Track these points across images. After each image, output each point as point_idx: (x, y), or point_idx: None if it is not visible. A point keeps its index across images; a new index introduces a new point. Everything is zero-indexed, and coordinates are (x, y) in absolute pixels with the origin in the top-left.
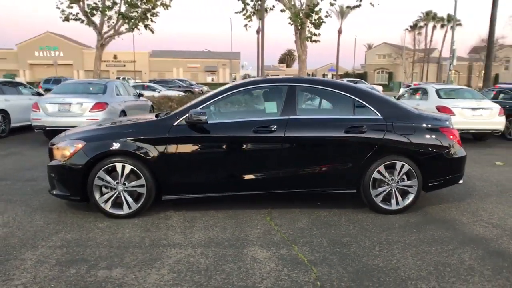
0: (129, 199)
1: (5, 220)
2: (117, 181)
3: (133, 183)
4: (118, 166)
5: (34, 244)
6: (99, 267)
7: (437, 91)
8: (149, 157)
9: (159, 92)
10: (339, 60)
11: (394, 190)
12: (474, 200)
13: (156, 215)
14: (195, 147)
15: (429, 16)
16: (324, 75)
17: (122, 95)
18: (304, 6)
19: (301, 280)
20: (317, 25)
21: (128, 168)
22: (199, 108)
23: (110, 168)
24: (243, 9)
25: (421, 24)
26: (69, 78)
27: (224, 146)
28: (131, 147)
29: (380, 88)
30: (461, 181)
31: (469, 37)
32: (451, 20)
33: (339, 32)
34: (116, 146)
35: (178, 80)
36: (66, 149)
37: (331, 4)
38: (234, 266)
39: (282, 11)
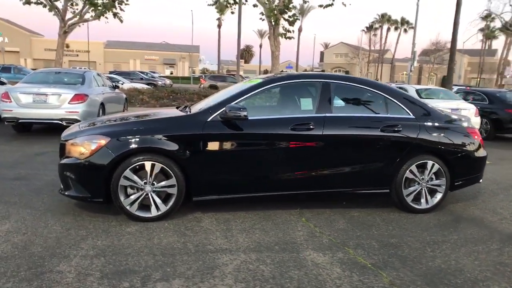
0: (158, 201)
1: (14, 225)
2: (145, 181)
3: (163, 183)
4: (147, 164)
5: (64, 254)
6: (153, 278)
7: (417, 91)
8: (181, 155)
9: (122, 84)
10: (298, 56)
11: (424, 190)
12: (486, 198)
13: (183, 217)
14: (230, 145)
15: (384, 18)
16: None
17: (100, 87)
18: (279, 2)
19: (376, 285)
20: (292, 22)
21: (158, 167)
22: (233, 103)
23: (137, 167)
24: (216, 2)
25: (377, 25)
26: (21, 67)
27: (260, 144)
28: (162, 144)
29: None
30: (481, 180)
31: (420, 40)
32: (404, 23)
33: (300, 30)
34: (145, 143)
35: (140, 72)
36: (86, 146)
37: (304, 2)
38: (300, 272)
39: (254, 6)
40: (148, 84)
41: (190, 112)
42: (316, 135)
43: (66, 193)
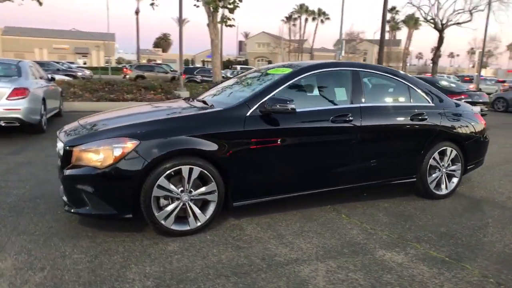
0: (197, 211)
1: (21, 259)
2: (181, 189)
3: (202, 190)
4: (185, 169)
5: None
6: None
7: None
8: (221, 157)
9: None
10: (221, 47)
11: (444, 176)
12: (478, 179)
13: (220, 226)
14: (275, 141)
15: (302, 9)
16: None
17: (38, 79)
18: None
19: (473, 279)
20: (232, 10)
21: (196, 171)
22: (271, 95)
23: (172, 173)
24: None
25: (296, 16)
26: None
27: (304, 140)
28: (200, 144)
29: None
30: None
31: (336, 30)
32: (321, 14)
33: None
34: (182, 144)
35: (56, 62)
36: (106, 151)
37: None
38: (392, 276)
39: None
40: (66, 75)
41: (209, 105)
42: (354, 126)
43: (79, 211)
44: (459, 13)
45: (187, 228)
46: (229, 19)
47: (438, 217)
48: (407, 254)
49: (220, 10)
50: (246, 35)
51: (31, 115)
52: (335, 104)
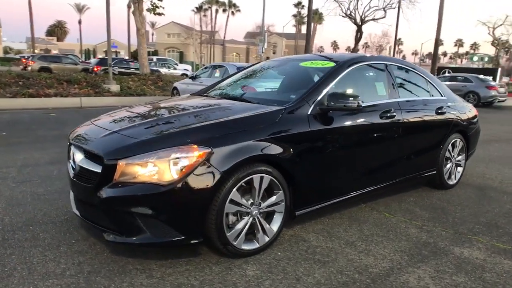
0: (266, 225)
1: None
2: (251, 201)
3: (272, 200)
4: (256, 179)
5: None
6: None
7: (239, 69)
8: (288, 161)
9: None
10: (129, 36)
11: (453, 166)
12: (475, 168)
13: (278, 240)
14: (334, 141)
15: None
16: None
17: None
18: None
19: None
20: None
21: (266, 180)
22: (327, 90)
23: (243, 184)
24: None
25: (206, 6)
26: None
27: (359, 137)
28: (269, 149)
29: (189, 67)
30: None
31: (246, 22)
32: (231, 6)
33: (129, 6)
34: (255, 150)
35: None
36: (171, 163)
37: None
38: (493, 275)
39: None
40: None
41: (255, 102)
42: (397, 122)
43: (133, 241)
44: (376, 10)
45: (256, 246)
46: (157, 6)
47: (466, 207)
48: (480, 249)
49: None
50: (153, 25)
51: None
52: (378, 99)
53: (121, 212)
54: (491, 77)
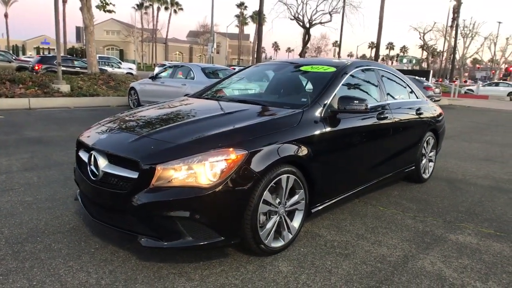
0: (290, 223)
1: None
2: (278, 200)
3: (295, 199)
4: (284, 179)
5: None
6: None
7: (203, 70)
8: (309, 162)
9: None
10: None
11: (427, 162)
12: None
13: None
14: (342, 141)
15: None
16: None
17: None
18: None
19: None
20: None
21: (291, 180)
22: (334, 93)
23: (273, 185)
24: None
25: (147, 4)
26: None
27: (363, 136)
28: (295, 150)
29: (134, 66)
30: None
31: (188, 21)
32: (174, 4)
33: (64, 1)
34: (282, 151)
35: None
36: (210, 166)
37: None
38: (489, 256)
39: None
40: None
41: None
42: (390, 122)
43: (174, 245)
44: (322, 14)
45: (282, 243)
46: (107, 3)
47: (444, 199)
48: (470, 234)
49: None
50: None
51: None
52: (374, 101)
53: (160, 217)
54: (424, 78)
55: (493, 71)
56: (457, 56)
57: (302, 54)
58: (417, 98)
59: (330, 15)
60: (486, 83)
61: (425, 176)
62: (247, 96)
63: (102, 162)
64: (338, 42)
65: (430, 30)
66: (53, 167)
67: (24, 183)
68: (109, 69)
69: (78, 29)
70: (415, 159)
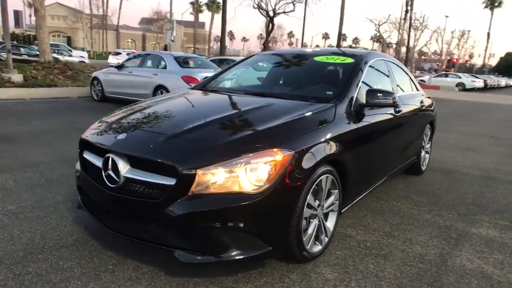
0: (327, 226)
1: None
2: (318, 203)
3: (331, 200)
4: (323, 180)
5: None
6: None
7: (177, 59)
8: (345, 159)
9: None
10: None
11: (424, 153)
12: None
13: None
14: (369, 136)
15: None
16: None
17: None
18: None
19: None
20: None
21: (329, 181)
22: (359, 86)
23: (316, 187)
24: None
25: None
26: None
27: (384, 131)
28: (333, 149)
29: (85, 54)
30: None
31: (139, 8)
32: None
33: None
34: (323, 151)
35: None
36: (257, 168)
37: None
38: None
39: None
40: None
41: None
42: (403, 114)
43: (221, 259)
44: (286, 3)
45: (319, 248)
46: None
47: (448, 191)
48: (489, 227)
49: None
50: (30, 4)
51: None
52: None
53: (203, 228)
54: None
55: (438, 63)
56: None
57: (266, 44)
58: (418, 90)
59: (293, 4)
60: (436, 74)
61: (423, 168)
62: (263, 89)
63: (123, 167)
64: (290, 32)
65: (385, 22)
66: (28, 168)
67: (0, 188)
68: (60, 57)
69: (17, 13)
70: (418, 151)
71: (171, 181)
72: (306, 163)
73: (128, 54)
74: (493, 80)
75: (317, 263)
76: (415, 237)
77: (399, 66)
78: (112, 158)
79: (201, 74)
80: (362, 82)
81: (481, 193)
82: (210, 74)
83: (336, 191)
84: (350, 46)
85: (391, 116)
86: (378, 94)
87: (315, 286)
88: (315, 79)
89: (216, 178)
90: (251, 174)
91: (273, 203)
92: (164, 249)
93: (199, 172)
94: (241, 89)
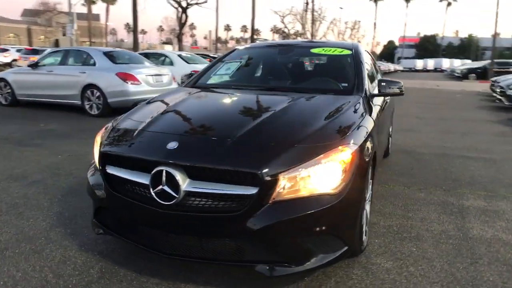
0: (368, 216)
1: None
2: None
3: (370, 189)
4: (370, 170)
5: None
6: None
7: (106, 54)
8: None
9: None
10: None
11: (389, 137)
12: None
13: None
14: (380, 126)
15: None
16: None
17: None
18: None
19: None
20: None
21: (371, 170)
22: (366, 77)
23: (371, 180)
24: None
25: None
26: None
27: (383, 117)
28: (373, 140)
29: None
30: None
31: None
32: None
33: None
34: (374, 144)
35: None
36: (332, 167)
37: None
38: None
39: None
40: None
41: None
42: (386, 101)
43: (308, 266)
44: None
45: (366, 238)
46: None
47: (427, 172)
48: (475, 199)
49: None
50: None
51: None
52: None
53: (289, 237)
54: None
55: None
56: (309, 38)
57: (180, 36)
58: (381, 76)
59: None
60: None
61: (389, 151)
62: (273, 84)
63: (183, 180)
64: (191, 24)
65: (289, 14)
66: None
67: None
68: None
69: None
70: (389, 134)
71: (251, 190)
72: (366, 156)
73: (19, 51)
74: (385, 66)
75: (366, 254)
76: (427, 216)
77: (369, 54)
78: (167, 171)
79: (138, 70)
80: (367, 70)
81: (447, 169)
82: (146, 70)
83: (371, 181)
84: (252, 37)
85: (384, 104)
86: (390, 84)
87: (382, 277)
88: (323, 71)
89: (294, 182)
90: (328, 174)
91: (349, 200)
92: (239, 265)
93: (282, 177)
94: (254, 85)
